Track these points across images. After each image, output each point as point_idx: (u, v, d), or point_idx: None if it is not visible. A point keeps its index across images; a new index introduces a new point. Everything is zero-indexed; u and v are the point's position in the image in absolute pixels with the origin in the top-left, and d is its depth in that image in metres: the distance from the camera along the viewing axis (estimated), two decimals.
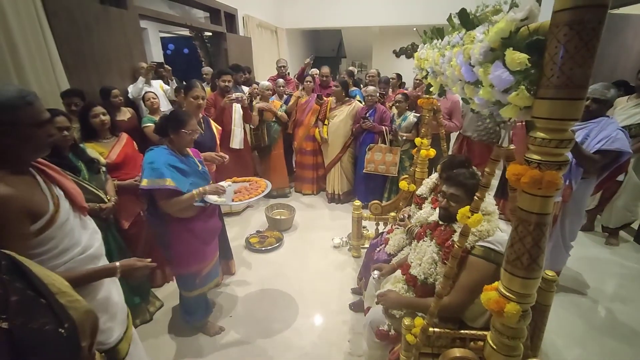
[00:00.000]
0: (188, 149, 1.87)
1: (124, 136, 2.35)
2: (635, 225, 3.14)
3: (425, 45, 1.80)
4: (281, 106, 3.85)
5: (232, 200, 1.87)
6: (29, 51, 2.21)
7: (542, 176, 0.73)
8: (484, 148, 3.47)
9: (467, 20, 1.04)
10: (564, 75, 0.67)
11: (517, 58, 0.73)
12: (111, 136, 2.27)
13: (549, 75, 0.69)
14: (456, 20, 1.20)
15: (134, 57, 3.37)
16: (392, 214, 2.56)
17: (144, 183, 1.62)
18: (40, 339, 0.72)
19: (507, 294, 0.87)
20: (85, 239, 1.15)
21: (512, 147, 1.05)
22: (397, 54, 9.35)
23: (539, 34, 0.73)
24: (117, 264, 1.16)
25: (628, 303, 2.32)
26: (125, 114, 2.80)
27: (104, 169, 1.98)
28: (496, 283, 0.92)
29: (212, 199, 1.78)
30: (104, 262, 1.21)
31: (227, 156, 2.20)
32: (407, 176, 2.52)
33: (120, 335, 1.22)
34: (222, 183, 2.01)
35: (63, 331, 0.79)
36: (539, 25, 0.74)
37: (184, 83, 3.87)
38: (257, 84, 4.20)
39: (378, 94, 3.65)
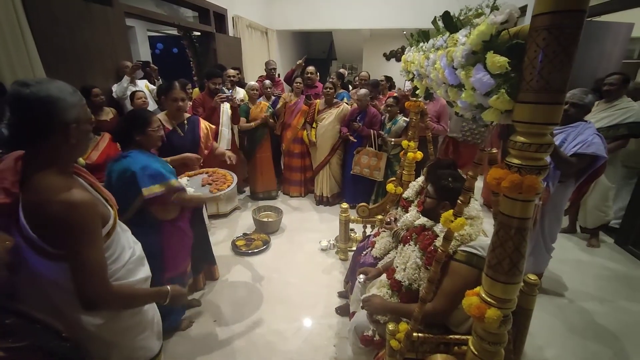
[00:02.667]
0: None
1: (107, 136, 2.29)
2: (616, 227, 3.21)
3: (412, 48, 1.81)
4: (268, 108, 3.81)
5: (210, 192, 1.87)
6: (5, 47, 2.14)
7: (522, 180, 0.73)
8: (470, 148, 3.61)
9: (451, 23, 1.04)
10: (542, 79, 0.66)
11: (498, 61, 0.73)
12: (92, 136, 2.21)
13: (528, 79, 0.69)
14: (441, 23, 1.20)
15: (118, 55, 3.30)
16: (379, 216, 2.56)
17: (157, 189, 1.54)
18: (55, 353, 0.78)
19: (488, 299, 0.86)
20: (129, 240, 1.14)
21: (494, 150, 1.05)
22: (388, 57, 9.42)
23: (519, 38, 0.73)
24: (169, 288, 1.16)
25: (606, 304, 2.36)
26: (108, 113, 2.73)
27: None
28: (478, 288, 0.92)
29: (189, 192, 1.80)
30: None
31: (200, 157, 2.14)
32: (394, 179, 2.52)
33: (160, 345, 1.26)
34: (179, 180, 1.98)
35: (66, 343, 0.83)
36: (519, 29, 0.74)
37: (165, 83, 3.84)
38: (246, 84, 4.17)
39: (369, 97, 3.66)
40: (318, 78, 4.43)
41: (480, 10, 0.92)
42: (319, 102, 3.78)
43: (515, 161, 0.75)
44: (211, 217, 3.59)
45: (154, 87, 3.69)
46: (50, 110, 0.86)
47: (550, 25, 0.63)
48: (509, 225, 0.80)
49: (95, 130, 2.25)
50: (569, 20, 0.62)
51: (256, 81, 4.13)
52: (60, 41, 2.63)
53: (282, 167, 4.25)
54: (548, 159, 1.97)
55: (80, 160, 1.95)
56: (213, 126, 2.47)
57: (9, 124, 0.89)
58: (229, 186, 1.94)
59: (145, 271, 1.14)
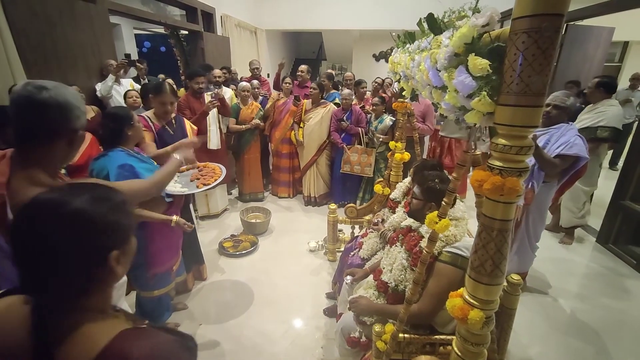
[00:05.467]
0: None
1: (88, 136, 2.22)
2: (597, 226, 3.29)
3: (399, 49, 1.81)
4: (259, 110, 3.78)
5: (197, 187, 1.85)
6: None
7: (504, 183, 0.73)
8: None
9: (435, 25, 1.04)
10: (522, 82, 0.67)
11: (479, 64, 0.73)
12: None
13: (508, 82, 0.69)
14: (425, 25, 1.21)
15: (102, 53, 3.22)
16: (367, 217, 2.56)
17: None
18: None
19: (472, 300, 0.86)
20: None
21: (478, 152, 1.05)
22: (377, 58, 9.44)
23: (500, 41, 0.74)
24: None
25: (588, 302, 2.41)
26: (89, 112, 2.65)
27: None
28: (461, 290, 0.92)
29: (177, 190, 1.79)
30: None
31: (196, 141, 2.12)
32: (382, 179, 2.52)
33: None
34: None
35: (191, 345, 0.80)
36: (500, 32, 0.75)
37: (147, 81, 3.76)
38: (236, 84, 4.13)
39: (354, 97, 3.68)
40: (309, 77, 4.42)
41: (463, 13, 0.92)
42: (306, 102, 3.77)
43: (497, 163, 0.75)
44: (202, 218, 3.55)
45: (139, 87, 3.61)
46: (66, 116, 0.89)
47: (529, 28, 0.64)
48: (491, 227, 0.80)
49: None
50: (548, 23, 0.62)
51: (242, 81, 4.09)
52: (40, 38, 2.55)
53: (271, 167, 4.22)
54: (532, 160, 2.02)
55: None
56: (195, 127, 2.45)
57: (17, 125, 0.88)
58: (215, 180, 1.92)
59: None
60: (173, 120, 2.33)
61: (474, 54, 0.76)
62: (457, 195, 1.54)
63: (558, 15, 0.63)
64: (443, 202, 1.05)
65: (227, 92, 3.82)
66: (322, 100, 3.76)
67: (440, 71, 0.92)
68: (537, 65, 0.65)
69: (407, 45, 1.59)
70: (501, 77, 0.72)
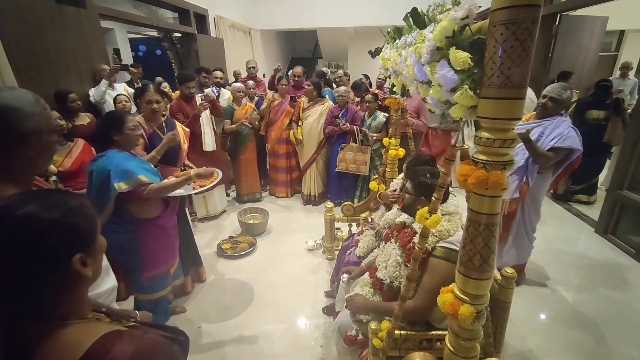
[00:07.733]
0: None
1: (81, 142, 2.23)
2: (595, 216, 3.28)
3: (389, 44, 1.80)
4: (253, 110, 3.77)
5: (193, 189, 1.90)
6: None
7: (488, 176, 0.73)
8: (448, 136, 3.83)
9: (419, 20, 1.03)
10: (503, 74, 0.66)
11: (460, 57, 0.73)
12: (66, 142, 2.15)
13: (489, 74, 0.68)
14: (411, 20, 1.20)
15: (94, 58, 3.21)
16: (364, 215, 2.56)
17: (124, 186, 1.52)
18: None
19: (462, 295, 0.86)
20: None
21: (466, 146, 1.05)
22: (373, 55, 9.36)
23: (481, 34, 0.73)
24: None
25: (587, 293, 2.41)
26: (84, 118, 2.65)
27: (54, 177, 1.86)
28: (452, 285, 0.92)
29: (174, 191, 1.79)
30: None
31: (176, 132, 2.12)
32: (377, 176, 2.52)
33: None
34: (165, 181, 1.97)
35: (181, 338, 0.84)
36: (481, 25, 0.74)
37: (141, 85, 3.76)
38: (229, 85, 4.12)
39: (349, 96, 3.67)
40: (305, 78, 4.41)
41: (447, 7, 0.91)
42: (304, 100, 3.76)
43: (481, 157, 0.75)
44: (201, 219, 3.55)
45: (133, 91, 3.61)
46: (5, 120, 0.81)
47: (507, 20, 0.63)
48: (478, 222, 0.80)
49: (70, 136, 2.19)
50: (525, 14, 0.62)
51: (238, 82, 4.08)
52: (31, 45, 2.54)
53: (268, 167, 4.22)
54: (526, 154, 2.01)
55: (52, 168, 1.88)
56: (187, 129, 2.44)
57: None
58: (212, 182, 1.93)
59: (111, 281, 1.11)
60: (164, 124, 2.33)
61: (455, 47, 0.75)
62: (451, 189, 1.54)
63: (535, 6, 0.62)
64: (433, 198, 1.04)
65: (225, 94, 3.83)
66: (319, 98, 3.75)
67: (424, 65, 0.91)
68: (516, 57, 0.64)
69: (396, 41, 1.58)
70: (482, 70, 0.71)
